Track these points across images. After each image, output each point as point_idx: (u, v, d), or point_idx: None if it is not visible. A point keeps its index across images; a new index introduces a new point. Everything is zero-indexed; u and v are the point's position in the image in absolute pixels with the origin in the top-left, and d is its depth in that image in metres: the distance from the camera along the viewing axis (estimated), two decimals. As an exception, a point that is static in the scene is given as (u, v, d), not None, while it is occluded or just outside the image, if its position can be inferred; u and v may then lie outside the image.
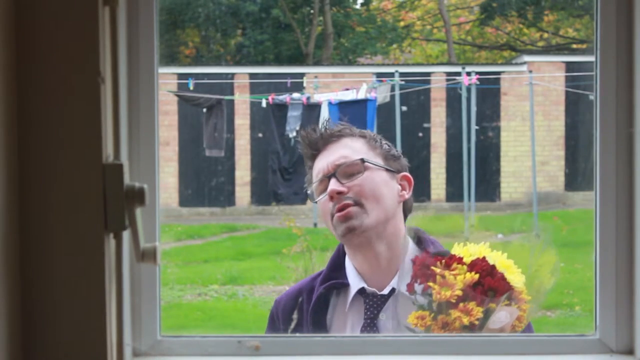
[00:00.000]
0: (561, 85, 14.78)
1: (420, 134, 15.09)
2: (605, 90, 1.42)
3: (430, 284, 1.84)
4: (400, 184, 2.13)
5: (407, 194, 2.14)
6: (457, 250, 1.91)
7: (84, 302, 1.26)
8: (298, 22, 19.79)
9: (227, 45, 19.81)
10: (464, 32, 22.18)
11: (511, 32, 21.28)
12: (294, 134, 11.67)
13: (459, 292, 1.82)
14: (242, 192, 15.02)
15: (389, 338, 1.51)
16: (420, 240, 2.08)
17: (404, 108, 13.83)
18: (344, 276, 2.10)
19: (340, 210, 2.04)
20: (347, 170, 2.08)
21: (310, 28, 19.83)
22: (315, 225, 12.43)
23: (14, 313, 1.25)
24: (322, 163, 2.11)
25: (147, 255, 1.29)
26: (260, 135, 14.68)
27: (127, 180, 1.26)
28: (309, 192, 2.18)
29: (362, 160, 2.08)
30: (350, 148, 2.12)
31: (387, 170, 2.12)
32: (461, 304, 1.82)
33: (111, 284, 1.26)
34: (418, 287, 1.87)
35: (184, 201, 14.89)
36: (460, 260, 1.86)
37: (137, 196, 1.25)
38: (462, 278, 1.83)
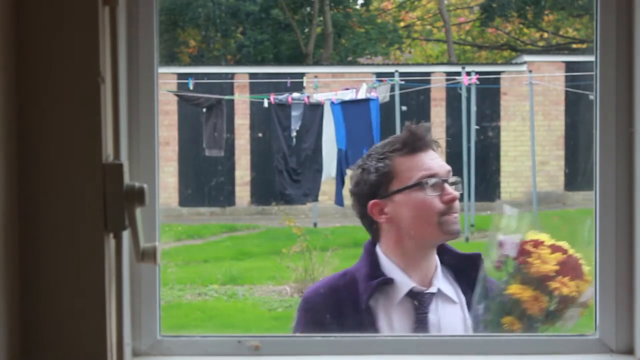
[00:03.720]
0: (561, 85, 14.76)
1: (420, 134, 15.04)
2: (605, 90, 1.42)
3: (530, 259, 2.04)
4: None
5: None
6: (532, 236, 2.10)
7: (84, 302, 1.26)
8: (298, 22, 19.77)
9: (227, 45, 19.81)
10: (464, 32, 22.16)
11: (511, 32, 21.27)
12: (294, 133, 11.67)
13: (556, 267, 2.02)
14: (242, 192, 15.01)
15: (389, 338, 1.51)
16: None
17: (404, 108, 13.80)
18: (384, 273, 2.20)
19: (455, 213, 2.25)
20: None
21: (310, 28, 19.81)
22: (315, 225, 12.42)
23: (14, 313, 1.25)
24: (434, 163, 2.23)
25: (147, 255, 1.29)
26: (260, 135, 14.66)
27: (127, 180, 1.26)
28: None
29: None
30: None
31: None
32: (559, 277, 2.02)
33: (111, 284, 1.27)
34: (511, 263, 2.06)
35: (183, 201, 14.88)
36: (543, 244, 2.07)
37: (137, 196, 1.25)
38: (555, 256, 2.03)
